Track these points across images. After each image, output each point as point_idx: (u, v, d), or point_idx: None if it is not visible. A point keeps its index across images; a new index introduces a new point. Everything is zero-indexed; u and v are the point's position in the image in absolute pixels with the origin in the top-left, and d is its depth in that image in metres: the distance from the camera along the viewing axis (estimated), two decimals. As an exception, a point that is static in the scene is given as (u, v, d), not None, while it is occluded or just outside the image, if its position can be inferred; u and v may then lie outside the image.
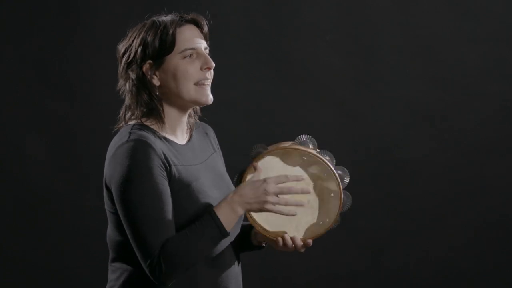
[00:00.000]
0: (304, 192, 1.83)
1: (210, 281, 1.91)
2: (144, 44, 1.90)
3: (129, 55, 1.93)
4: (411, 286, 3.85)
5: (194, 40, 1.91)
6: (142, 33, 1.92)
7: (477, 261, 3.83)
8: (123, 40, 1.97)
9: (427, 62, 3.80)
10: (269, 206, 1.81)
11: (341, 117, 3.80)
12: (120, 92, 1.98)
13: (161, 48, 1.89)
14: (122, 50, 1.95)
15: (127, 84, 1.95)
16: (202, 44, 1.93)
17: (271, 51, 3.76)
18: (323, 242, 3.74)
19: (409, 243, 3.83)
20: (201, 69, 1.91)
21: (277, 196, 1.81)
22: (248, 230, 2.03)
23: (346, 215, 1.94)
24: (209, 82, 1.93)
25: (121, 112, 1.98)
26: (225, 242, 1.92)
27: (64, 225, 3.74)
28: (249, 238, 2.03)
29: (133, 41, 1.93)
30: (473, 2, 3.78)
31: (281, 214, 1.83)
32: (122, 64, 1.95)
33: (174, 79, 1.90)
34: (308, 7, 3.77)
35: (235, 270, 1.98)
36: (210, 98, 1.93)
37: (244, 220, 2.03)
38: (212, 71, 1.93)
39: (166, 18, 1.93)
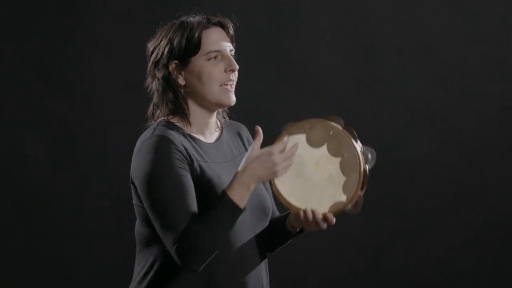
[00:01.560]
0: (328, 169, 1.88)
1: (229, 277, 1.93)
2: (171, 44, 1.95)
3: (157, 54, 1.97)
4: (411, 286, 3.85)
5: (219, 42, 1.96)
6: (170, 33, 1.95)
7: (477, 261, 3.83)
8: (152, 38, 2.00)
9: (427, 62, 3.80)
10: (280, 174, 1.87)
11: (341, 117, 3.79)
12: (148, 89, 2.02)
13: (187, 49, 1.94)
14: (151, 49, 1.99)
15: (154, 83, 1.99)
16: (228, 47, 1.98)
17: (271, 51, 3.77)
18: (323, 242, 3.75)
19: (409, 243, 3.83)
20: (225, 71, 1.96)
21: (285, 161, 1.87)
22: (282, 220, 2.05)
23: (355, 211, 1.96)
24: (233, 84, 1.99)
25: (149, 110, 2.02)
26: (245, 234, 1.95)
27: (64, 225, 3.74)
28: (284, 226, 2.04)
29: (161, 40, 1.97)
30: (473, 2, 3.78)
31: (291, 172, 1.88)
32: (150, 63, 1.99)
33: (199, 80, 1.95)
34: (308, 7, 3.77)
35: (258, 268, 2.01)
36: (232, 100, 1.99)
37: (280, 211, 2.08)
38: (236, 73, 1.99)
39: (194, 19, 1.97)
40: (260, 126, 1.94)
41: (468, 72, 3.80)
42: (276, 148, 1.87)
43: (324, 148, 1.92)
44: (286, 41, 3.78)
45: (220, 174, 1.94)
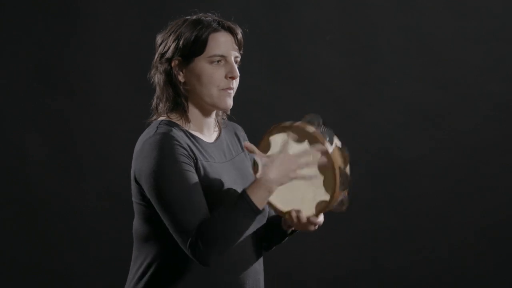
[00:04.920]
0: (321, 163, 1.87)
1: (226, 277, 1.94)
2: (178, 40, 1.95)
3: (163, 47, 1.97)
4: (411, 286, 3.85)
5: (225, 47, 1.96)
6: (180, 29, 1.96)
7: (477, 261, 3.83)
8: (163, 30, 2.01)
9: (427, 62, 3.80)
10: (294, 176, 1.87)
11: (341, 117, 3.80)
12: (151, 81, 2.02)
13: (192, 48, 1.94)
14: (160, 41, 2.00)
15: (157, 75, 2.00)
16: (233, 53, 1.98)
17: (271, 51, 3.77)
18: (323, 242, 3.75)
19: (409, 243, 3.83)
20: (225, 77, 1.96)
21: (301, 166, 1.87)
22: (278, 219, 2.06)
23: (350, 206, 1.96)
24: (232, 90, 1.99)
25: (153, 103, 2.02)
26: (246, 239, 1.95)
27: (64, 225, 3.74)
28: (280, 226, 2.06)
29: (170, 34, 1.97)
30: (473, 2, 3.78)
31: (304, 179, 1.87)
32: (157, 54, 2.00)
33: (199, 81, 1.95)
34: (308, 7, 3.77)
35: (254, 267, 2.01)
36: (229, 104, 1.99)
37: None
38: (237, 80, 1.99)
39: (206, 19, 1.97)
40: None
41: (468, 72, 3.80)
42: (294, 155, 1.87)
43: (306, 148, 1.91)
44: (286, 41, 3.78)
45: (221, 175, 1.95)
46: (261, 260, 2.06)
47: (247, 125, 3.74)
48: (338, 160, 1.91)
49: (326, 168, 1.89)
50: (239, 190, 1.95)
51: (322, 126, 1.94)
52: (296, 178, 1.86)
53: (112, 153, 3.69)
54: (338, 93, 3.80)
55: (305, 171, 1.87)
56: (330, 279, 3.83)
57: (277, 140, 1.92)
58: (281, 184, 1.86)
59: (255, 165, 1.91)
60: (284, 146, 1.89)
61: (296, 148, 1.90)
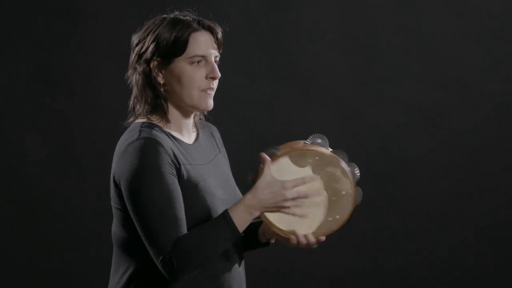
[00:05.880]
0: (318, 194, 1.85)
1: (212, 282, 1.91)
2: (157, 41, 1.90)
3: (141, 47, 1.92)
4: (411, 286, 3.85)
5: (206, 48, 1.91)
6: (158, 29, 1.91)
7: (477, 261, 3.83)
8: (138, 30, 1.96)
9: (427, 62, 3.80)
10: (286, 210, 1.85)
11: (341, 117, 3.80)
12: (128, 81, 1.98)
13: (172, 49, 1.90)
14: (136, 41, 1.94)
15: (134, 76, 1.95)
16: (213, 53, 1.93)
17: (271, 51, 3.77)
18: (323, 242, 3.75)
19: (409, 243, 3.83)
20: (206, 77, 1.92)
21: (294, 200, 1.84)
22: (255, 228, 2.03)
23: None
24: (212, 91, 1.94)
25: (130, 104, 1.98)
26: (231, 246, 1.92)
27: (64, 225, 3.74)
28: (256, 236, 2.04)
29: (148, 34, 1.92)
30: (473, 2, 3.78)
31: (294, 215, 1.85)
32: (134, 55, 1.94)
33: (179, 82, 1.91)
34: (308, 7, 3.77)
35: (238, 271, 1.98)
36: (210, 105, 1.94)
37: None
38: (217, 80, 1.94)
39: (185, 19, 1.93)
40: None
41: (468, 72, 3.80)
42: (290, 183, 1.83)
43: (310, 172, 1.87)
44: (286, 41, 3.78)
45: (205, 177, 1.91)
46: (243, 264, 2.03)
47: (247, 125, 3.75)
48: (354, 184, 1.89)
49: (342, 193, 1.87)
50: (223, 191, 1.93)
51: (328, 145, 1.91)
52: (285, 213, 1.84)
53: (112, 153, 3.67)
54: (338, 93, 3.80)
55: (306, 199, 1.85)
56: (330, 279, 3.83)
57: (284, 164, 1.86)
58: (266, 210, 1.83)
59: (255, 174, 1.87)
60: (283, 172, 1.85)
61: (303, 172, 1.86)
